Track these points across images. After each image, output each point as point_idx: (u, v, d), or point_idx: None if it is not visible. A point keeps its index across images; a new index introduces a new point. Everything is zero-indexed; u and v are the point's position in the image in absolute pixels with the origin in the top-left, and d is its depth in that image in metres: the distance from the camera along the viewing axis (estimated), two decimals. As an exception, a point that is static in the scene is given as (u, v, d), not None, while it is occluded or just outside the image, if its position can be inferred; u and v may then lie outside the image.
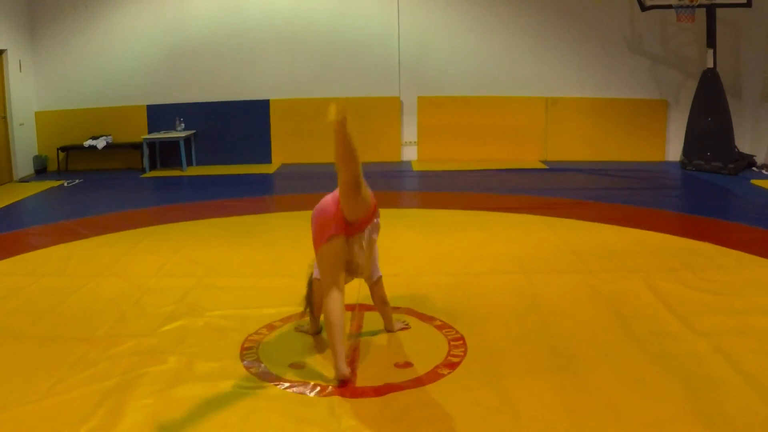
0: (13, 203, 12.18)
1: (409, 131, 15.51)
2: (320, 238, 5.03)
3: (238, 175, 14.26)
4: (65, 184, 13.78)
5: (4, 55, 14.48)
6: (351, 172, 4.83)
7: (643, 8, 13.67)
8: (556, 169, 14.04)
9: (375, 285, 5.55)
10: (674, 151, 14.73)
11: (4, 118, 14.56)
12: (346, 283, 5.23)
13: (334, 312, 4.89)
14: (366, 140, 15.04)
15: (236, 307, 6.36)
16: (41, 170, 15.49)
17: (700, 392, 4.51)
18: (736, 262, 7.42)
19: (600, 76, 14.97)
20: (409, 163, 15.13)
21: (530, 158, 15.00)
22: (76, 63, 15.66)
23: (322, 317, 5.46)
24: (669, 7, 13.36)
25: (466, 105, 15.19)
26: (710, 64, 13.40)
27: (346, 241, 5.02)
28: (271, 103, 15.52)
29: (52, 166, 15.63)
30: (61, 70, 15.67)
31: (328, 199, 5.15)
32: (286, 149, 15.59)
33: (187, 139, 15.29)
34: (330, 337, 4.93)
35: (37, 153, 15.61)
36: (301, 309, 5.64)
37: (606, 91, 14.96)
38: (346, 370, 4.79)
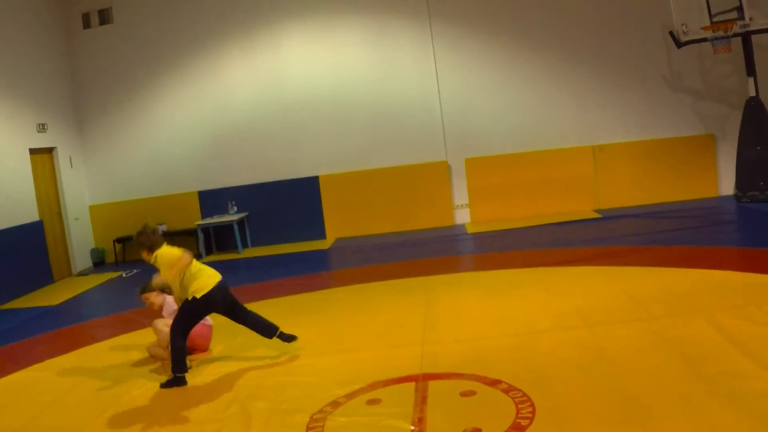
0: (73, 297, 12.57)
1: (460, 194, 15.56)
2: None
3: (294, 253, 14.45)
4: (123, 275, 14.07)
5: (54, 152, 15.08)
6: None
7: (679, 45, 13.65)
8: (609, 216, 13.92)
9: None
10: (727, 185, 14.55)
11: (59, 213, 15.06)
12: None
13: None
14: (417, 207, 15.18)
15: (299, 385, 6.40)
16: (99, 262, 15.94)
17: (778, 431, 4.41)
18: (802, 291, 7.28)
19: (644, 117, 14.90)
20: (462, 226, 15.13)
21: (583, 208, 14.92)
22: (124, 155, 16.24)
23: None
24: (704, 40, 13.35)
25: (513, 162, 15.22)
26: (753, 93, 13.31)
27: None
28: (320, 179, 15.72)
29: (110, 258, 16.09)
30: (111, 163, 16.27)
31: None
32: (340, 223, 15.75)
33: (240, 222, 15.58)
34: None
35: (93, 246, 16.07)
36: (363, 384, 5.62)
37: (652, 132, 14.88)
38: None
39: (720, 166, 14.70)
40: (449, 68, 15.37)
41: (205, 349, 7.86)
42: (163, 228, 15.58)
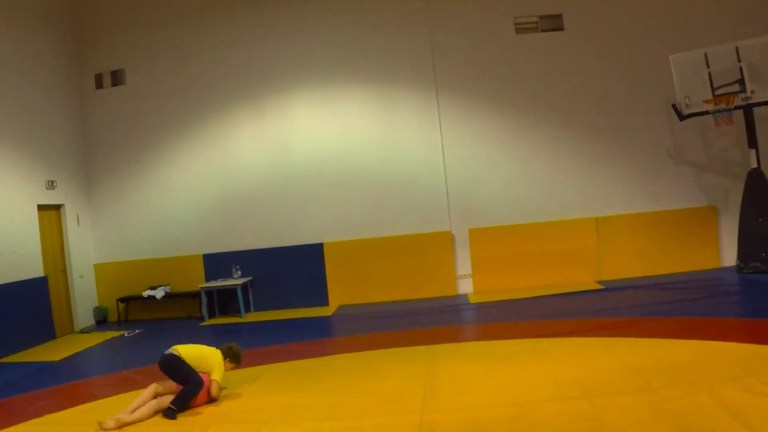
0: (74, 354, 12.58)
1: (463, 264, 15.58)
2: None
3: (297, 319, 14.42)
4: (125, 334, 14.09)
5: (62, 209, 15.28)
6: None
7: (681, 118, 13.85)
8: (612, 288, 13.91)
9: None
10: (729, 256, 14.60)
11: (64, 270, 15.18)
12: None
13: None
14: (421, 276, 15.18)
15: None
16: (101, 321, 16.02)
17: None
18: (801, 362, 7.26)
19: (647, 190, 15.04)
20: (465, 296, 15.11)
21: (585, 280, 14.93)
22: (131, 215, 16.44)
23: None
24: (706, 113, 13.54)
25: (517, 233, 15.27)
26: (754, 164, 13.45)
27: None
28: (324, 246, 15.78)
29: (113, 317, 16.19)
30: (118, 222, 16.45)
31: None
32: (343, 291, 15.76)
33: (244, 286, 15.64)
34: None
35: (97, 304, 16.17)
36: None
37: (655, 204, 15.00)
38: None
39: (722, 237, 14.80)
40: (455, 139, 15.57)
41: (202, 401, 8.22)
42: (166, 289, 15.68)
